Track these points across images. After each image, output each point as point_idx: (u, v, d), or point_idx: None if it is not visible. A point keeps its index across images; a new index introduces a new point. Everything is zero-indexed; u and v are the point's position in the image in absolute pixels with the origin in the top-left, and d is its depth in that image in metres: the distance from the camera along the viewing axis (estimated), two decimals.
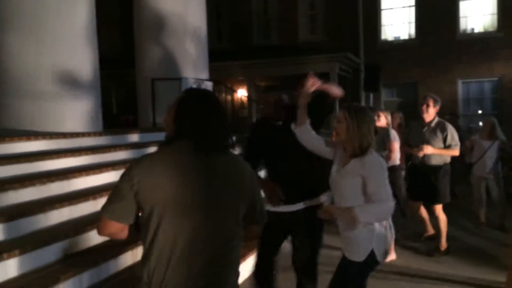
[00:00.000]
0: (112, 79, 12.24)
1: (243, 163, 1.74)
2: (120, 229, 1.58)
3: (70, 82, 5.10)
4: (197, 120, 1.60)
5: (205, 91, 1.77)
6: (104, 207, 1.57)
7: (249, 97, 12.72)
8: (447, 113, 8.62)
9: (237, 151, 6.86)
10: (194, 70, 7.45)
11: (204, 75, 7.73)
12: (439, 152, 4.60)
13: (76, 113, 5.14)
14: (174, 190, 1.52)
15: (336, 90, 2.75)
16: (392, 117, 5.84)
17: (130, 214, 1.56)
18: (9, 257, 2.81)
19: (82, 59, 5.29)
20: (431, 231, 5.13)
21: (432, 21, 13.03)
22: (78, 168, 4.23)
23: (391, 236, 2.74)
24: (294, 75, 12.65)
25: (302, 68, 12.42)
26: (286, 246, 3.25)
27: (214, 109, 1.65)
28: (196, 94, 1.71)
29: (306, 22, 14.52)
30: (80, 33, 5.25)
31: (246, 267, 4.09)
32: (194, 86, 6.24)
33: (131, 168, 1.57)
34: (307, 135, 2.70)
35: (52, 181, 3.78)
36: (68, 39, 5.08)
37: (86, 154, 4.56)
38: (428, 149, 4.54)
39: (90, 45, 5.42)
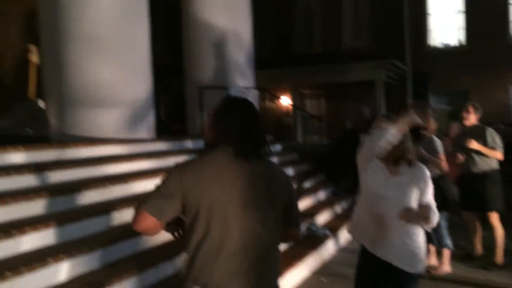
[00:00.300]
0: (160, 87, 12.61)
1: (279, 169, 1.82)
2: (155, 226, 1.61)
3: (126, 91, 5.34)
4: (235, 127, 1.65)
5: (243, 99, 1.80)
6: (148, 201, 1.59)
7: (293, 105, 12.72)
8: (501, 122, 8.30)
9: (275, 158, 6.81)
10: (241, 79, 7.60)
11: (250, 83, 7.87)
12: (483, 150, 4.50)
13: (133, 120, 5.37)
14: (219, 192, 1.58)
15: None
16: (449, 127, 5.74)
17: (171, 213, 1.61)
18: (78, 255, 3.01)
19: (138, 69, 5.53)
20: (478, 249, 4.85)
21: (482, 27, 12.60)
22: (136, 173, 4.43)
23: None
24: (339, 82, 12.56)
25: (347, 76, 12.29)
26: None
27: (251, 116, 1.70)
28: (234, 102, 1.76)
29: (350, 28, 14.36)
30: (136, 45, 5.50)
31: (296, 274, 4.12)
32: (240, 94, 6.35)
33: (179, 169, 1.63)
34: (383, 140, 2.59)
35: (113, 184, 4.00)
36: (124, 52, 5.32)
37: (143, 159, 4.77)
38: (473, 143, 4.47)
39: (145, 56, 5.67)
